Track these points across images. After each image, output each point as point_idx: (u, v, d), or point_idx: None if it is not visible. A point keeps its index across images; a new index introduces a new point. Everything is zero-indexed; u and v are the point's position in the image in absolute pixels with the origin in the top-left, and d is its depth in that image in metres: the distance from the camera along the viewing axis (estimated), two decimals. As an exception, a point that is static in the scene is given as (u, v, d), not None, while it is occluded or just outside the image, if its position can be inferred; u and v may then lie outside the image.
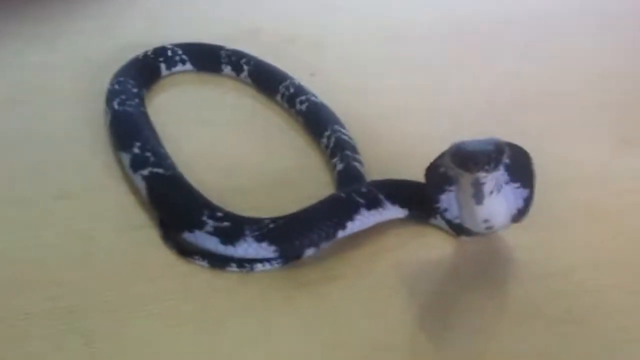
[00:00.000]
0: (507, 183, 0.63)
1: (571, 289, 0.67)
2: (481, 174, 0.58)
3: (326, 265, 0.68)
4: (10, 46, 1.01)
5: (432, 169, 0.64)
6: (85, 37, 1.04)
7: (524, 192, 0.65)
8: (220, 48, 0.97)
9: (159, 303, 0.64)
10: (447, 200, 0.65)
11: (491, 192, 0.62)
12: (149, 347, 0.60)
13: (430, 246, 0.70)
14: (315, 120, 0.86)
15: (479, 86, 0.97)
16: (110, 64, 0.94)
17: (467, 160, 0.58)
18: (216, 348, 0.61)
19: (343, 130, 0.83)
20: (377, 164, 0.80)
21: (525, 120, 0.90)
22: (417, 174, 0.78)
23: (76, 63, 0.98)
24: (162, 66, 0.96)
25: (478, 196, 0.62)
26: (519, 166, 0.63)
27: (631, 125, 0.91)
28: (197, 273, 0.67)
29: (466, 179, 0.61)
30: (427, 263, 0.69)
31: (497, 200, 0.63)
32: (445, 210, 0.66)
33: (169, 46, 0.97)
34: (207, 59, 0.98)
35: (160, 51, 0.96)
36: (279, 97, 0.91)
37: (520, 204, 0.65)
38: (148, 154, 0.76)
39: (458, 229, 0.67)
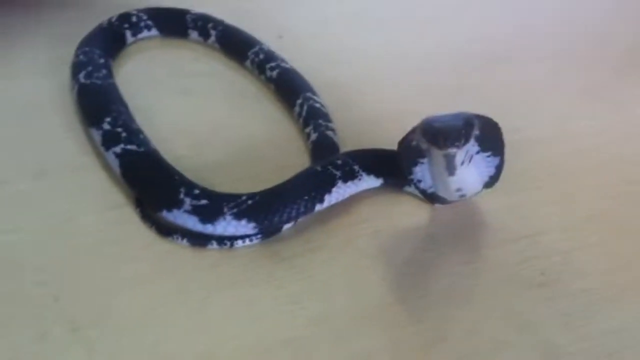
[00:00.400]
0: (477, 153, 0.65)
1: (542, 251, 0.69)
2: (452, 150, 0.60)
3: (306, 238, 0.69)
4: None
5: (405, 143, 0.65)
6: (45, 6, 1.01)
7: (495, 160, 0.67)
8: (185, 12, 0.96)
9: (142, 284, 0.65)
10: (421, 171, 0.67)
11: (462, 163, 0.63)
12: (135, 329, 0.61)
13: (406, 214, 0.72)
14: (287, 88, 0.86)
15: (446, 44, 0.98)
16: (74, 33, 0.92)
17: (437, 137, 0.59)
18: (203, 327, 0.62)
19: (315, 98, 0.83)
20: (350, 130, 0.81)
21: (492, 74, 0.92)
22: (389, 138, 0.79)
23: (37, 34, 0.95)
24: (128, 33, 0.94)
25: (450, 168, 0.63)
26: (488, 136, 0.64)
27: (590, 74, 0.93)
28: (178, 252, 0.68)
29: (437, 153, 0.62)
30: (404, 231, 0.71)
31: (469, 170, 0.65)
32: (419, 181, 0.67)
33: (134, 12, 0.95)
34: (173, 24, 0.96)
35: (124, 17, 0.94)
36: (248, 63, 0.91)
37: (491, 171, 0.67)
38: (119, 129, 0.75)
39: (432, 198, 0.69)
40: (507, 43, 0.97)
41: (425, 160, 0.65)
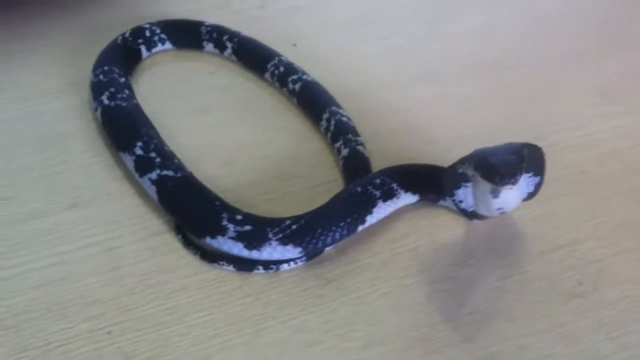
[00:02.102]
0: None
1: (578, 261, 0.71)
2: (508, 187, 0.61)
3: (349, 258, 0.70)
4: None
5: (451, 170, 0.67)
6: (52, 21, 1.00)
7: (536, 179, 0.69)
8: (199, 24, 0.96)
9: (194, 314, 0.65)
10: (464, 193, 0.68)
11: None
12: (193, 361, 0.63)
13: (443, 228, 0.74)
14: (311, 102, 0.86)
15: (456, 45, 0.99)
16: (85, 50, 0.92)
17: (493, 174, 0.61)
18: (258, 354, 0.63)
19: (341, 111, 0.84)
20: (373, 142, 0.82)
21: (506, 79, 0.93)
22: (412, 149, 0.82)
23: (48, 54, 0.94)
24: (143, 48, 0.94)
25: (495, 192, 0.65)
26: (532, 160, 0.66)
27: (602, 75, 0.94)
28: (226, 278, 0.69)
29: (487, 184, 0.64)
30: (443, 246, 0.72)
31: (512, 191, 0.66)
32: (461, 201, 0.69)
33: (147, 25, 0.95)
34: (187, 36, 0.96)
35: (138, 32, 0.94)
36: (268, 76, 0.91)
37: (531, 189, 0.69)
38: (152, 154, 0.75)
39: (471, 215, 0.70)
40: (517, 46, 0.98)
41: (469, 184, 0.67)
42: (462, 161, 0.65)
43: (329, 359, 0.63)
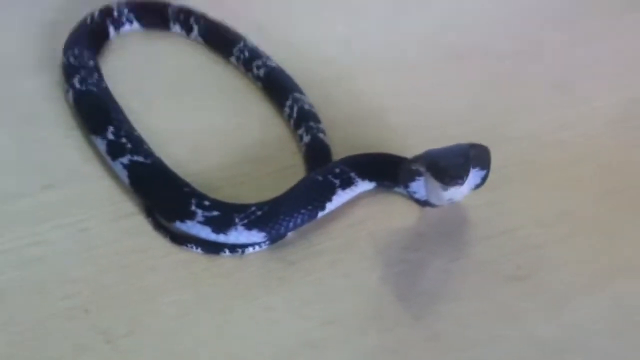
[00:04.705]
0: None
1: (519, 246, 0.77)
2: (456, 187, 0.67)
3: (310, 242, 0.75)
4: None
5: (406, 165, 0.73)
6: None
7: (482, 172, 0.74)
8: (167, 5, 0.98)
9: (166, 293, 0.70)
10: (417, 186, 0.74)
11: None
12: (166, 337, 0.67)
13: (398, 214, 0.79)
14: (275, 88, 0.90)
15: (420, 35, 1.03)
16: (55, 27, 0.95)
17: (442, 175, 0.66)
18: (227, 334, 0.68)
19: (303, 98, 0.88)
20: (334, 130, 0.86)
21: (464, 69, 0.98)
22: (372, 137, 0.86)
23: (17, 29, 0.96)
24: (111, 29, 0.96)
25: (445, 187, 0.70)
26: (479, 157, 0.72)
27: (562, 68, 1.00)
28: (194, 260, 0.73)
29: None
30: (397, 231, 0.78)
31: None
32: (415, 192, 0.75)
33: (114, 5, 0.97)
34: (155, 17, 0.99)
35: (106, 12, 0.96)
36: (233, 60, 0.94)
37: (478, 180, 0.75)
38: (123, 140, 0.79)
39: (423, 203, 0.76)
40: (477, 38, 1.02)
41: (421, 178, 0.72)
42: (416, 160, 0.70)
43: (290, 337, 0.68)
